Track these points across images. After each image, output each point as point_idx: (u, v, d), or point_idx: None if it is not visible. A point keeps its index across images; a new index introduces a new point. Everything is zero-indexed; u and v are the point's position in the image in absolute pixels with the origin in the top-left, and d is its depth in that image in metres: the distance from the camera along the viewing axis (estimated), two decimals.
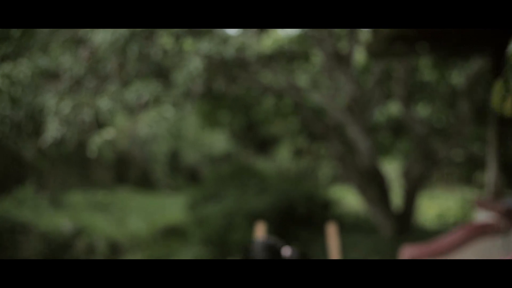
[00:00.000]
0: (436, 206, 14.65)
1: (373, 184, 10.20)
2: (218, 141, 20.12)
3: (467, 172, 15.45)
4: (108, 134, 6.87)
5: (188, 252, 10.71)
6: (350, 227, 11.51)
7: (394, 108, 13.27)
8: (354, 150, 10.33)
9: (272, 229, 10.09)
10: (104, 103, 6.86)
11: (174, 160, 21.25)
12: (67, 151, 14.12)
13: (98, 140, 6.92)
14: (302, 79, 11.96)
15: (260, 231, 3.77)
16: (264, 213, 10.27)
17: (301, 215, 11.27)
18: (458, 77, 12.57)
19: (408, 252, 6.78)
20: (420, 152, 10.42)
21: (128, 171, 21.31)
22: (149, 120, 6.67)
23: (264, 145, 19.99)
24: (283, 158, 19.57)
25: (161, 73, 7.57)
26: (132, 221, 13.71)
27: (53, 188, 15.36)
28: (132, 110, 7.27)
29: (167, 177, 21.31)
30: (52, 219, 13.04)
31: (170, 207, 15.30)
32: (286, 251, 2.91)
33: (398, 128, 12.75)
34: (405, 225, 10.47)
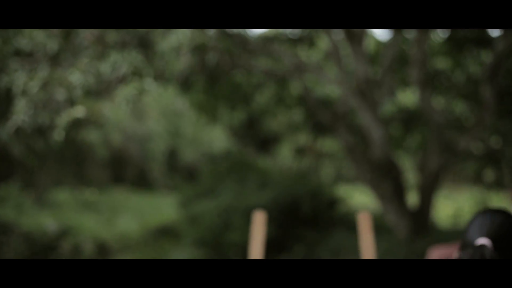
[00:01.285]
0: (450, 204, 13.47)
1: (387, 178, 8.94)
2: (218, 139, 19.09)
3: (480, 167, 14.28)
4: (78, 112, 5.63)
5: (180, 254, 9.41)
6: None
7: (406, 98, 12.13)
8: (366, 140, 9.11)
9: (275, 228, 8.88)
10: (75, 77, 5.66)
11: (172, 159, 20.23)
12: (58, 147, 12.99)
13: (66, 119, 5.69)
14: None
15: (260, 224, 2.60)
16: (265, 210, 8.99)
17: (305, 214, 10.05)
18: (474, 65, 11.52)
19: (436, 253, 5.53)
20: (438, 144, 9.15)
21: (125, 170, 20.24)
22: (126, 95, 5.45)
23: (265, 143, 18.93)
24: (285, 156, 18.52)
25: (145, 44, 6.36)
26: (123, 221, 12.50)
27: (42, 186, 14.17)
28: (109, 86, 6.05)
29: (165, 176, 20.22)
30: (37, 219, 11.85)
31: (165, 207, 14.10)
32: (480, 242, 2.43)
33: (411, 119, 11.53)
34: (421, 224, 9.21)
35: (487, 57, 10.47)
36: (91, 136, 15.14)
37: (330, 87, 11.01)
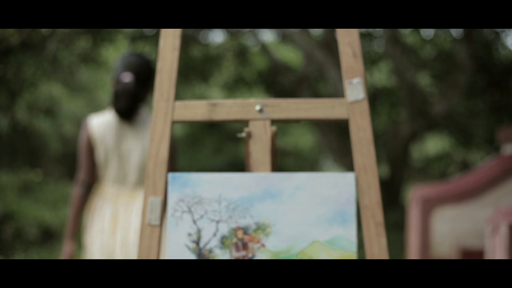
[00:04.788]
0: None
1: None
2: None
3: (445, 166, 13.53)
4: None
5: None
6: None
7: (374, 78, 11.30)
8: None
9: None
10: None
11: None
12: (6, 134, 11.88)
13: None
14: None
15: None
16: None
17: None
18: (444, 41, 10.74)
19: (420, 193, 4.55)
20: (410, 109, 8.22)
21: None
22: None
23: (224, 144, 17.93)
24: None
25: None
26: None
27: None
28: None
29: None
30: None
31: None
32: (125, 77, 2.98)
33: (377, 97, 10.64)
34: (392, 195, 8.26)
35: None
36: (42, 124, 13.98)
37: (291, 53, 10.08)
